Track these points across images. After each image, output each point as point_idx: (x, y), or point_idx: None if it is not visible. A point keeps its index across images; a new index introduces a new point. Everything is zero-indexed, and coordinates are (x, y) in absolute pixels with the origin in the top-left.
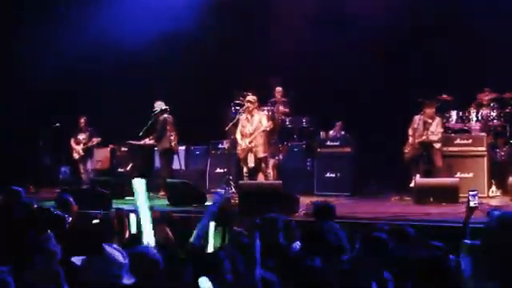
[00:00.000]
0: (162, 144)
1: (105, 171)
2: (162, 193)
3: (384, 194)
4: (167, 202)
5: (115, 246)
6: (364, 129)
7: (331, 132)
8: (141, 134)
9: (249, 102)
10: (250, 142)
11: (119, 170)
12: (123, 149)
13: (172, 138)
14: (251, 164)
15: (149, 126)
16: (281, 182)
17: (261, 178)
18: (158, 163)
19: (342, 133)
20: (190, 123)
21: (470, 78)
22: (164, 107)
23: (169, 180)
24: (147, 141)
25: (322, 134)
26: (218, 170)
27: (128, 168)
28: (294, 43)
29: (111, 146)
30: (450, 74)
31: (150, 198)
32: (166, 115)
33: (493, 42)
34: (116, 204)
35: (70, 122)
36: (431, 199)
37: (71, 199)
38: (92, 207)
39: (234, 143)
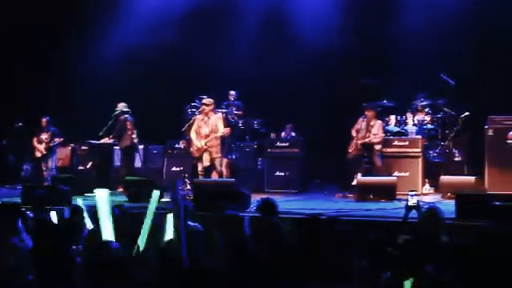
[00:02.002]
0: (123, 143)
1: (65, 169)
2: (121, 189)
3: (329, 191)
4: (125, 198)
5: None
6: (311, 130)
7: (282, 133)
8: (101, 133)
9: (205, 104)
10: (205, 144)
11: (79, 167)
12: (83, 147)
13: (133, 136)
14: (206, 163)
15: (109, 125)
16: (233, 180)
17: (215, 176)
18: (117, 161)
19: (293, 134)
20: (149, 123)
21: (408, 85)
22: (126, 109)
23: (128, 177)
24: (107, 140)
25: (273, 135)
26: (175, 169)
27: (88, 166)
28: (248, 48)
29: (72, 144)
30: (389, 81)
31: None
32: (126, 116)
33: (426, 52)
34: (76, 200)
35: (33, 122)
36: (371, 196)
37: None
38: (53, 203)
39: (190, 143)
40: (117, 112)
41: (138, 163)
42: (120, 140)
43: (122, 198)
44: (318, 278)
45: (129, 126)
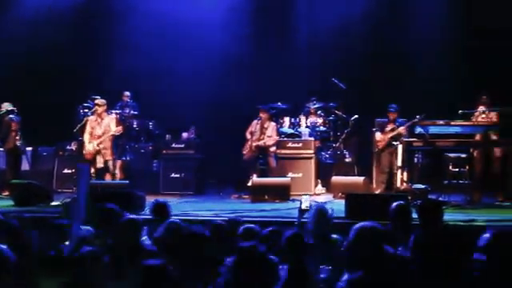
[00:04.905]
0: (8, 144)
1: None
2: (6, 193)
3: (224, 192)
4: (12, 203)
5: None
6: (207, 132)
7: (185, 134)
8: None
9: (97, 105)
10: (98, 145)
11: None
12: None
13: (17, 138)
14: (100, 165)
15: None
16: (128, 181)
17: (108, 178)
18: (2, 164)
19: (193, 136)
20: (38, 124)
21: (301, 88)
22: (10, 108)
23: (13, 180)
24: None
25: (168, 136)
26: (66, 171)
27: None
28: (143, 48)
29: None
30: (284, 84)
31: None
32: (11, 116)
33: (318, 54)
34: None
35: None
36: (266, 197)
37: None
38: None
39: (83, 145)
40: (2, 112)
41: (25, 165)
42: (4, 142)
43: (8, 203)
44: None
45: (13, 127)
